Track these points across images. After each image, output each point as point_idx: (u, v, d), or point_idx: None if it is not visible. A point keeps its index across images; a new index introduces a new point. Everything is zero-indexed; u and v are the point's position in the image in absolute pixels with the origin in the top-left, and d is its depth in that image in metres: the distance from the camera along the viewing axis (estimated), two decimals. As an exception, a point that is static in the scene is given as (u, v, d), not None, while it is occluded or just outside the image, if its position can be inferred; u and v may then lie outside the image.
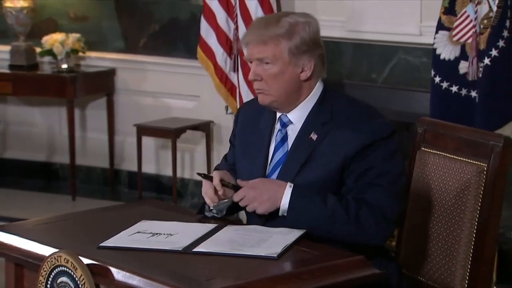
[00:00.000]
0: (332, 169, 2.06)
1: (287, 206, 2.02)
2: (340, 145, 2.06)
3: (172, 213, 2.24)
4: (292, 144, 2.12)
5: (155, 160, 4.75)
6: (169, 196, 4.57)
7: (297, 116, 2.13)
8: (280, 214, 2.04)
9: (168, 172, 4.58)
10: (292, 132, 2.14)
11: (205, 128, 4.47)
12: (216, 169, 2.30)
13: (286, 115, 2.14)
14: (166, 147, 4.61)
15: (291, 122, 2.14)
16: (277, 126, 2.16)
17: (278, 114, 2.17)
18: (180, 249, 1.90)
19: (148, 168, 4.68)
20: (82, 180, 4.89)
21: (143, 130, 4.48)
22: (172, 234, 1.99)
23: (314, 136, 2.09)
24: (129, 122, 4.62)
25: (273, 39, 2.06)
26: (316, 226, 2.01)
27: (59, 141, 4.99)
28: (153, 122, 4.52)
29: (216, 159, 4.52)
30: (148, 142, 4.61)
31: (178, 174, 4.53)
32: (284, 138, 2.14)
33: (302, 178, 2.07)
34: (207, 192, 2.13)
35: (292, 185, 2.03)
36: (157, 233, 1.99)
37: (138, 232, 2.01)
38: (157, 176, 4.76)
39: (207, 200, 2.14)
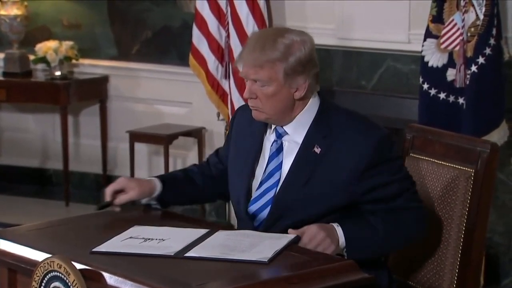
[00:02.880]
0: (339, 182, 2.07)
1: (344, 244, 2.03)
2: (346, 158, 2.07)
3: (164, 218, 2.25)
4: (295, 158, 2.12)
5: (147, 166, 4.77)
6: (162, 202, 4.59)
7: (292, 128, 2.14)
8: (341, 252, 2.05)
9: (161, 178, 4.60)
10: (289, 144, 2.15)
11: (197, 134, 4.50)
12: (207, 160, 2.35)
13: (282, 127, 2.15)
14: (158, 153, 4.63)
15: (286, 133, 2.15)
16: (272, 136, 2.17)
17: (273, 125, 2.18)
18: (172, 254, 1.92)
19: (141, 174, 4.68)
20: (75, 186, 4.90)
21: (135, 136, 4.49)
22: (164, 239, 2.00)
23: (317, 150, 2.09)
24: (122, 129, 4.63)
25: (269, 62, 2.07)
26: (376, 252, 2.08)
27: (52, 147, 5.00)
28: (145, 129, 4.54)
29: (208, 165, 4.54)
30: (141, 148, 4.63)
31: (171, 180, 4.54)
32: (279, 149, 2.15)
33: (308, 191, 2.08)
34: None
35: (338, 224, 2.05)
36: (149, 238, 2.01)
37: (130, 238, 2.02)
38: (150, 182, 4.77)
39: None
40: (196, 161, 4.53)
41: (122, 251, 1.95)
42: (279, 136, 2.16)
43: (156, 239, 2.00)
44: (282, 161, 2.14)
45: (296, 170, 2.11)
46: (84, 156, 4.94)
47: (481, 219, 2.16)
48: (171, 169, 4.53)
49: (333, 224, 2.05)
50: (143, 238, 2.01)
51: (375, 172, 2.06)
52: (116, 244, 1.99)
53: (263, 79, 2.08)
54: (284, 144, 2.15)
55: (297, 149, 2.12)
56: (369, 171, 2.06)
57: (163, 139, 4.39)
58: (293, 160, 2.12)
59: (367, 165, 2.06)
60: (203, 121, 4.50)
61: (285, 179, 2.12)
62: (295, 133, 2.14)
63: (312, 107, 2.14)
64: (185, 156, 4.66)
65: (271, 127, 2.19)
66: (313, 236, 2.00)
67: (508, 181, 3.51)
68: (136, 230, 2.07)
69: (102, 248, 1.97)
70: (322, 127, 2.11)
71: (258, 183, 2.16)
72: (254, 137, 2.19)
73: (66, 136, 4.67)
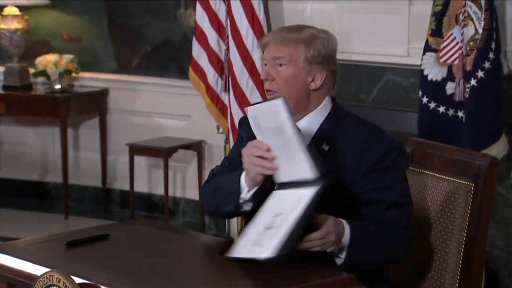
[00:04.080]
0: (344, 180, 2.07)
1: (348, 242, 2.00)
2: (355, 158, 2.07)
3: (163, 231, 2.25)
4: None
5: (147, 179, 4.77)
6: (161, 215, 4.58)
7: (306, 125, 2.14)
8: (334, 251, 2.00)
9: (160, 191, 4.60)
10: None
11: (197, 147, 4.50)
12: (216, 172, 2.24)
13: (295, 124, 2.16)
14: (158, 166, 4.63)
15: (300, 131, 2.13)
16: None
17: None
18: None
19: (140, 187, 4.69)
20: (75, 199, 4.89)
21: (135, 150, 4.50)
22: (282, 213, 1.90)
23: (326, 147, 2.10)
24: (121, 142, 4.64)
25: (293, 41, 2.11)
26: (377, 257, 2.04)
27: (52, 160, 5.00)
28: (145, 142, 4.54)
29: (208, 178, 4.54)
30: (140, 161, 4.63)
31: (170, 193, 4.54)
32: None
33: None
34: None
35: (346, 221, 2.01)
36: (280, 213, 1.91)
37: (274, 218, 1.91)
38: (149, 195, 4.77)
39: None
40: (195, 175, 4.54)
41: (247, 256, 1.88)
42: None
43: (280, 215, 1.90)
44: None
45: None
46: (84, 169, 4.94)
47: (481, 233, 2.16)
48: (170, 182, 4.53)
49: (343, 223, 2.00)
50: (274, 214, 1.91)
51: (381, 173, 2.06)
52: (247, 244, 1.90)
53: (284, 56, 2.10)
54: None
55: None
56: (375, 172, 2.06)
57: (162, 152, 4.39)
58: None
59: (374, 166, 2.06)
60: (203, 134, 4.50)
61: None
62: (307, 131, 2.14)
63: (325, 107, 2.15)
64: (185, 169, 4.66)
65: None
66: (326, 237, 1.96)
67: (507, 194, 3.50)
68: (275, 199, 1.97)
69: (235, 254, 1.91)
70: (334, 127, 2.12)
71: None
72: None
73: (65, 149, 4.67)
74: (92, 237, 2.14)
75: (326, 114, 2.15)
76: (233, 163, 2.20)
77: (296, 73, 2.11)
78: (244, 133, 2.24)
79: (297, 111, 2.13)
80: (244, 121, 2.27)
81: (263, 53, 2.17)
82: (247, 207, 2.08)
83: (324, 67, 2.13)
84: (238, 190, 2.05)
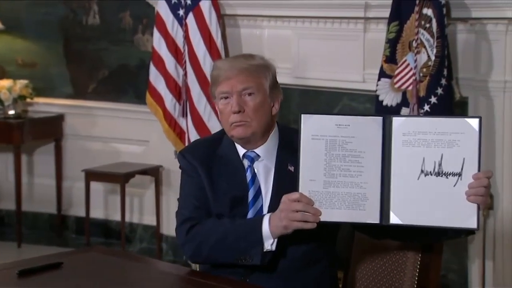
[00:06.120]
0: None
1: None
2: None
3: (120, 259, 2.22)
4: (275, 180, 2.13)
5: (103, 205, 4.71)
6: (118, 241, 4.53)
7: (264, 151, 2.15)
8: None
9: (117, 217, 4.55)
10: (262, 169, 2.15)
11: (154, 172, 4.47)
12: (191, 217, 2.14)
13: (254, 151, 2.16)
14: (115, 192, 4.59)
15: (259, 156, 2.15)
16: (245, 162, 2.17)
17: (242, 151, 2.17)
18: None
19: (97, 213, 4.63)
20: (29, 227, 4.81)
21: (91, 175, 4.45)
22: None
23: (291, 168, 2.11)
24: (77, 167, 4.59)
25: (257, 68, 2.12)
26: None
27: (5, 187, 4.91)
28: (101, 167, 4.49)
29: (165, 203, 4.51)
30: (97, 187, 4.58)
31: (127, 219, 4.50)
32: (254, 176, 2.15)
33: None
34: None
35: None
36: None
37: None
38: (106, 221, 4.71)
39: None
40: (153, 200, 4.50)
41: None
42: (252, 160, 2.16)
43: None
44: (259, 186, 2.14)
45: (279, 191, 2.09)
46: (38, 196, 4.86)
47: (435, 258, 2.17)
48: (127, 208, 4.48)
49: None
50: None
51: None
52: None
53: (253, 86, 2.11)
54: (256, 170, 2.15)
55: (272, 173, 2.14)
56: None
57: (119, 178, 4.35)
58: (273, 183, 2.13)
59: None
60: (160, 159, 4.48)
61: (270, 202, 2.11)
62: (267, 156, 2.15)
63: (276, 129, 2.19)
64: (142, 195, 4.62)
65: (242, 158, 2.17)
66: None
67: (461, 218, 3.55)
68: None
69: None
70: (289, 145, 2.13)
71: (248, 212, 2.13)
72: (237, 174, 2.15)
73: (19, 176, 4.60)
74: (44, 265, 2.09)
75: (278, 136, 2.18)
76: (201, 203, 2.14)
77: (264, 100, 2.13)
78: (193, 166, 2.16)
79: (262, 138, 2.15)
80: (187, 157, 2.19)
81: (216, 87, 2.13)
82: (268, 256, 2.04)
83: (279, 91, 2.18)
84: (260, 241, 2.02)
